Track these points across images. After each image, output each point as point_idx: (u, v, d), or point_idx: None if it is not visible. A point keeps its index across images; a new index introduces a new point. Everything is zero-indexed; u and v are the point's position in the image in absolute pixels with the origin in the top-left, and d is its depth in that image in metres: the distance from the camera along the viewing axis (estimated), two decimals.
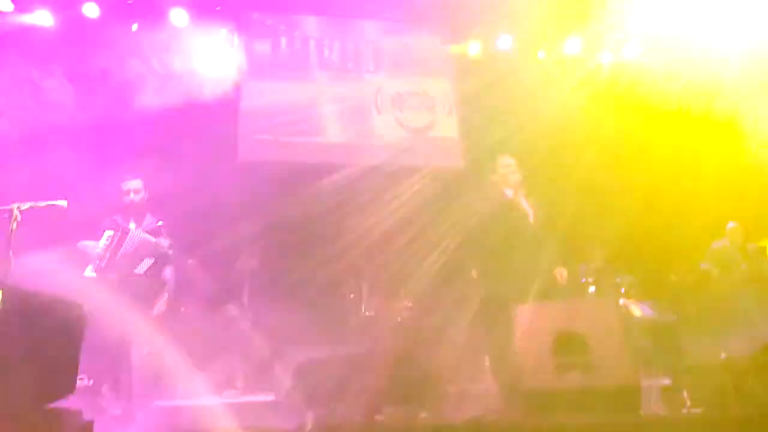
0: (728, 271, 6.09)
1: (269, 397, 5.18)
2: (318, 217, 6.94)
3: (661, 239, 8.60)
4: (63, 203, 3.84)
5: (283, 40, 8.13)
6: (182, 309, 6.34)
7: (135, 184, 4.46)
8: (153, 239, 4.25)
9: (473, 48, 8.74)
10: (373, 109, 7.98)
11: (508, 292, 3.57)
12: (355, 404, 2.52)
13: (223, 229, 6.46)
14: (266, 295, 6.60)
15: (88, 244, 4.18)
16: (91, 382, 4.53)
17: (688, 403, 2.39)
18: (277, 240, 7.04)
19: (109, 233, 4.16)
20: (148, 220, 4.46)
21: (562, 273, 4.07)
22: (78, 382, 4.47)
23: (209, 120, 7.38)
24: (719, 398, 2.32)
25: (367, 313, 6.46)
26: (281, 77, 8.01)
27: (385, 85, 8.09)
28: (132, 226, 4.31)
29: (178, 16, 7.85)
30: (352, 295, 6.63)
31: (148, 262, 4.18)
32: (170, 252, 4.40)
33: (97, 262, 4.09)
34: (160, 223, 4.45)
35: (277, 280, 6.67)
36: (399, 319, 6.46)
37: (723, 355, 5.04)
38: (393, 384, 2.51)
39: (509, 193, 4.10)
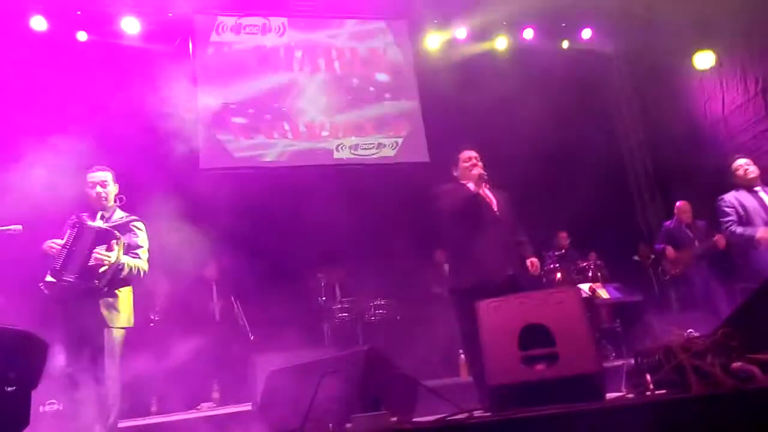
0: (682, 249, 6.23)
1: (246, 407, 5.15)
2: (285, 220, 6.90)
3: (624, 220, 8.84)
4: (18, 228, 3.74)
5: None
6: (152, 323, 6.26)
7: (103, 175, 3.99)
8: (106, 227, 3.77)
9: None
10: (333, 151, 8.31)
11: (477, 285, 3.63)
12: (325, 413, 2.52)
13: (189, 237, 6.37)
14: (236, 302, 6.56)
15: (55, 243, 3.75)
16: (62, 406, 4.43)
17: (651, 385, 2.44)
18: (246, 247, 6.98)
19: (69, 232, 3.74)
20: (118, 215, 3.99)
21: (533, 263, 4.10)
22: (48, 407, 4.45)
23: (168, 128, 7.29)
24: (680, 379, 2.38)
25: (339, 315, 6.45)
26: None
27: (346, 141, 8.41)
28: (98, 223, 3.85)
29: (129, 25, 7.76)
30: (323, 299, 6.60)
31: (101, 249, 3.68)
32: (141, 248, 3.91)
33: (54, 264, 3.65)
34: (134, 218, 3.99)
35: (247, 287, 6.61)
36: (372, 318, 6.47)
37: (688, 332, 5.18)
38: (363, 390, 2.51)
39: (471, 186, 4.10)
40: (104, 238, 3.68)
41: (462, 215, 3.98)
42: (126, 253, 3.78)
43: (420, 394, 2.88)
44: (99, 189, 3.92)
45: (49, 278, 3.66)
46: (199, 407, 5.91)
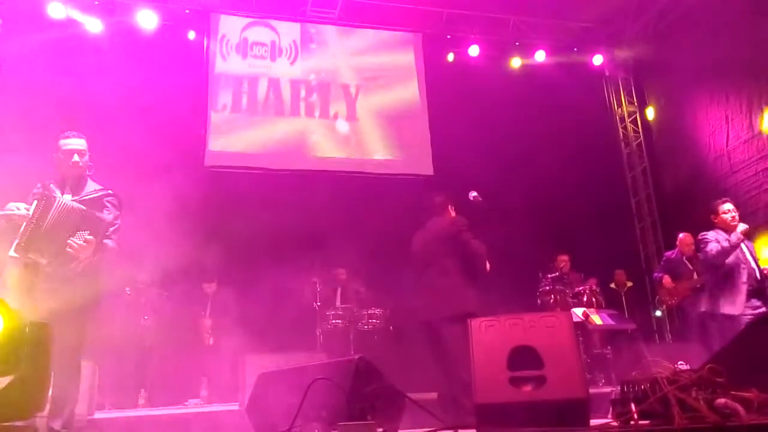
0: (681, 280, 6.25)
1: (234, 407, 5.16)
2: (287, 224, 6.93)
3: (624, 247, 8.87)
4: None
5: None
6: (145, 318, 6.29)
7: (80, 142, 3.54)
8: (83, 207, 3.34)
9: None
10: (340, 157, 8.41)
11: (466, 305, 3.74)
12: (312, 419, 2.55)
13: (187, 237, 6.42)
14: (232, 301, 6.58)
15: (17, 207, 3.29)
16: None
17: (636, 415, 2.46)
18: (247, 245, 7.01)
19: (34, 204, 3.27)
20: (91, 187, 3.55)
21: None
22: None
23: (176, 123, 7.37)
24: (664, 411, 2.40)
25: (333, 321, 6.46)
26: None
27: (352, 149, 8.51)
28: (67, 196, 3.41)
29: (146, 18, 7.84)
30: (318, 304, 6.62)
31: (82, 236, 3.24)
32: (114, 226, 3.49)
33: (18, 239, 3.20)
34: (109, 192, 3.57)
35: (244, 287, 6.64)
36: (365, 327, 6.48)
37: (678, 364, 5.20)
38: (351, 399, 2.53)
39: None
40: (88, 223, 3.30)
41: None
42: (100, 225, 3.37)
43: (407, 406, 2.90)
44: (77, 158, 3.50)
45: (12, 252, 3.20)
46: (186, 403, 5.92)
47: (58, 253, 3.22)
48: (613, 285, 7.52)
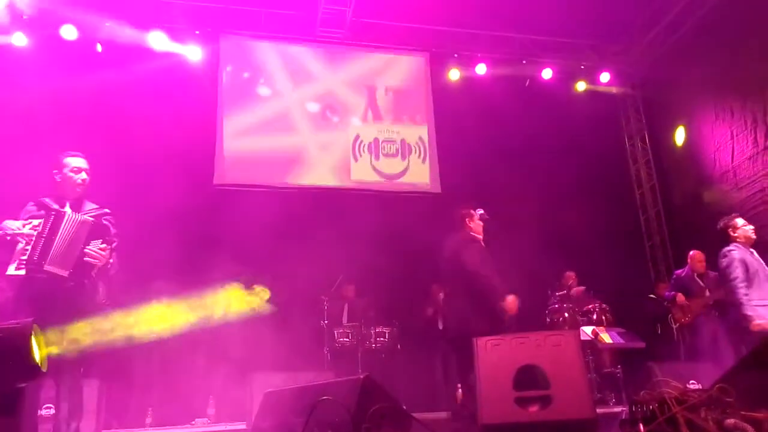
0: (692, 298, 6.20)
1: (241, 426, 5.14)
2: (295, 243, 6.95)
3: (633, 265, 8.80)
4: None
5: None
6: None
7: (82, 162, 3.62)
8: (92, 219, 3.43)
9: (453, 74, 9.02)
10: (350, 156, 8.36)
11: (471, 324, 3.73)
12: None
13: (195, 254, 6.46)
14: (238, 321, 6.57)
15: (12, 225, 3.31)
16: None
17: None
18: (254, 264, 7.02)
19: (35, 221, 3.33)
20: (88, 207, 3.62)
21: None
22: (45, 411, 4.45)
23: (185, 143, 7.45)
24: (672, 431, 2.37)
25: (340, 339, 6.44)
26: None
27: (364, 132, 8.52)
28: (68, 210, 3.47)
29: (157, 39, 7.94)
30: (325, 322, 6.60)
31: (96, 245, 3.37)
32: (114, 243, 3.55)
33: (24, 256, 3.24)
34: (106, 211, 3.63)
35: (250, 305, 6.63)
36: (373, 346, 6.45)
37: (690, 383, 5.12)
38: (356, 418, 2.52)
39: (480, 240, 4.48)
40: (100, 232, 3.42)
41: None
42: (109, 239, 3.47)
43: (412, 426, 2.88)
44: (84, 176, 3.59)
45: (12, 270, 3.21)
46: (193, 422, 5.90)
47: (77, 264, 3.32)
48: (653, 296, 7.44)
